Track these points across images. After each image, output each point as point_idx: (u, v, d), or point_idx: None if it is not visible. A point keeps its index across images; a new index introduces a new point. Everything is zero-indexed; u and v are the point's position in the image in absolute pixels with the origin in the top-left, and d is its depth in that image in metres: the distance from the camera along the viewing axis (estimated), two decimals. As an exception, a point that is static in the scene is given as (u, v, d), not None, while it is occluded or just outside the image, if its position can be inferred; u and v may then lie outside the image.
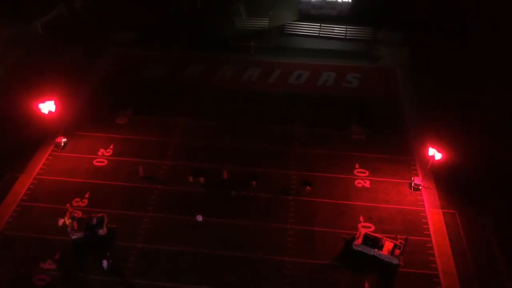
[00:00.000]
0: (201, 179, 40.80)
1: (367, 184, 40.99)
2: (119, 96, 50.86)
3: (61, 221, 35.84)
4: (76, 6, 65.37)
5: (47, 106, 41.60)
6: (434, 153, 37.82)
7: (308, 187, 40.10)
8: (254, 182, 40.47)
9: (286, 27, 62.95)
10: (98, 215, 36.91)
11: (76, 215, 36.72)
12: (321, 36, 61.68)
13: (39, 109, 41.63)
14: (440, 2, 64.31)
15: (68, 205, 37.00)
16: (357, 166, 42.66)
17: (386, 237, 35.52)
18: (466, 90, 50.73)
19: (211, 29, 62.75)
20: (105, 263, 33.57)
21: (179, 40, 60.44)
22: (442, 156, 37.77)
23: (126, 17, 64.16)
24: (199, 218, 37.70)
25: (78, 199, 39.29)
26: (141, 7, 66.38)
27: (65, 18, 63.72)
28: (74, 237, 35.95)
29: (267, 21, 63.12)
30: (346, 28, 61.66)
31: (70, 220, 35.82)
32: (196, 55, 58.10)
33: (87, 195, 39.64)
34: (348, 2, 63.43)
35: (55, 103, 42.16)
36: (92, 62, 56.14)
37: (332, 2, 63.78)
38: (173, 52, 58.61)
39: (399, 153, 44.01)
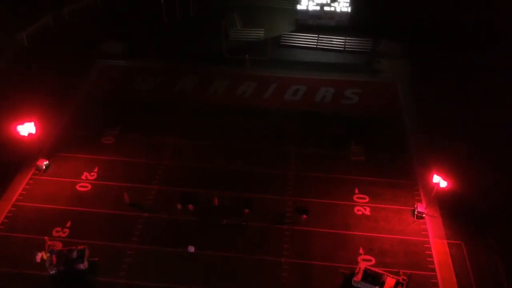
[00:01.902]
0: (190, 207, 38.29)
1: (367, 211, 38.51)
2: (106, 113, 48.36)
3: (39, 257, 33.19)
4: (64, 16, 62.80)
5: (27, 128, 39.12)
6: (439, 181, 35.33)
7: (304, 216, 37.60)
8: (246, 210, 37.97)
9: (282, 38, 60.49)
10: (79, 247, 34.37)
11: (55, 247, 34.29)
12: (319, 48, 59.23)
13: (17, 132, 39.15)
14: (442, 11, 62.15)
15: (46, 238, 34.44)
16: (356, 191, 40.19)
17: (388, 272, 33.03)
18: (471, 106, 48.33)
19: (204, 40, 60.23)
20: None
21: (171, 52, 57.96)
22: (448, 184, 35.28)
23: (116, 27, 61.72)
24: (191, 249, 35.19)
25: (59, 229, 36.79)
26: (132, 17, 63.91)
27: (52, 28, 61.11)
28: (52, 272, 33.44)
29: (263, 32, 60.64)
30: (345, 39, 59.20)
31: (48, 254, 33.30)
32: (188, 68, 55.62)
33: (68, 224, 37.13)
34: (347, 12, 60.91)
35: (35, 125, 39.73)
36: (79, 75, 53.53)
37: (330, 12, 61.28)
38: (164, 64, 56.09)
39: (400, 177, 41.53)
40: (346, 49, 58.88)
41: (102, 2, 66.45)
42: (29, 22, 59.43)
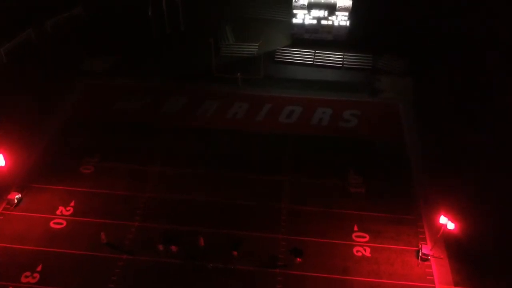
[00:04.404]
0: (173, 248, 34.92)
1: (367, 252, 35.17)
2: (86, 138, 45.03)
3: (1, 310, 30.02)
4: (46, 30, 59.42)
5: (-5, 161, 35.90)
6: (447, 222, 32.02)
7: (298, 259, 34.24)
8: (235, 252, 34.58)
9: (277, 53, 57.20)
10: (48, 297, 31.13)
11: (22, 297, 31.02)
12: (316, 64, 55.93)
13: (-17, 166, 35.95)
14: (444, 23, 59.11)
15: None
16: (355, 228, 36.89)
17: (390, 326, 29.84)
18: (480, 131, 45.01)
19: (194, 57, 56.86)
20: None
21: (157, 70, 54.61)
22: (456, 226, 31.99)
23: (100, 43, 58.37)
24: (173, 296, 31.99)
25: (28, 273, 33.39)
26: (118, 32, 60.53)
27: (34, 44, 57.66)
28: (17, 326, 30.17)
29: (257, 47, 57.38)
30: (344, 55, 55.96)
31: (13, 307, 30.05)
32: (176, 87, 52.27)
33: (39, 268, 33.72)
34: (345, 26, 57.58)
35: (5, 157, 36.44)
36: (58, 96, 50.05)
37: (327, 26, 57.93)
38: (150, 83, 52.71)
39: (403, 212, 38.24)
40: (344, 65, 55.63)
41: (87, 14, 63.18)
42: (8, 37, 56.03)
